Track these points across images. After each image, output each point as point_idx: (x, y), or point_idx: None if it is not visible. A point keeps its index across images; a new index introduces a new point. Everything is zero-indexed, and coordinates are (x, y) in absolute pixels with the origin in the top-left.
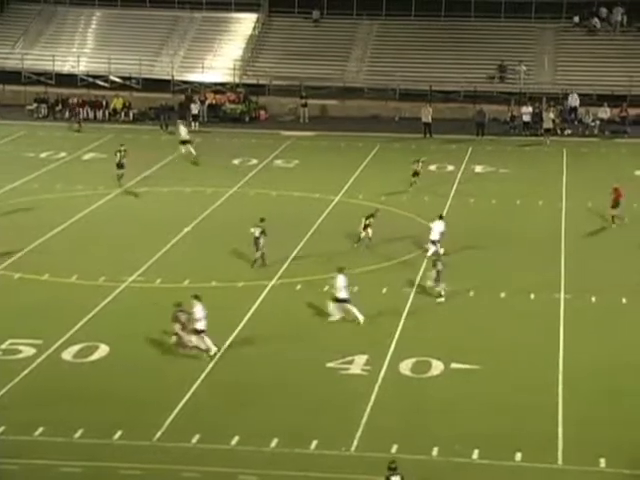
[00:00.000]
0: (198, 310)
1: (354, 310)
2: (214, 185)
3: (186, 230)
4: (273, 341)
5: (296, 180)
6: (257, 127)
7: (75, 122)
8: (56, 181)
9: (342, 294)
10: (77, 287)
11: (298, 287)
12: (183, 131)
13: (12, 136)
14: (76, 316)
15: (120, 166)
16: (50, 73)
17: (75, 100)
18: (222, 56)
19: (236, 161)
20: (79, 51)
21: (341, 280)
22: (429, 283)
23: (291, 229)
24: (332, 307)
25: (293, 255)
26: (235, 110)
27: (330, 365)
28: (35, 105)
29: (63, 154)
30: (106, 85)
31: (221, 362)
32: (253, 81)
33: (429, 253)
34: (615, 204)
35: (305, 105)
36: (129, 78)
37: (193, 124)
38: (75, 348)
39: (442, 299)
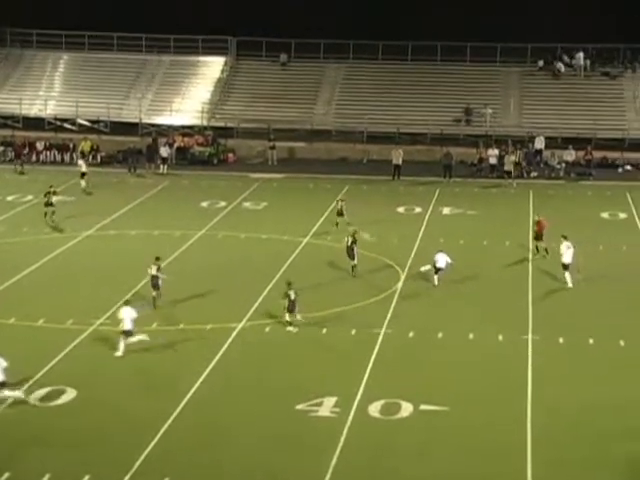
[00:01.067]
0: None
1: (122, 344)
2: (182, 228)
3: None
4: (242, 382)
5: (265, 222)
6: (225, 169)
7: (18, 164)
8: (23, 224)
9: (128, 326)
10: (44, 330)
11: (267, 329)
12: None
13: None
14: (43, 360)
15: (49, 204)
16: (17, 116)
17: (19, 142)
18: (190, 99)
19: (204, 203)
20: (46, 94)
21: (127, 312)
22: (286, 316)
23: (259, 271)
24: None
25: (262, 297)
26: (203, 153)
27: (299, 407)
28: (1, 149)
29: (30, 197)
30: (74, 128)
31: (191, 404)
32: (221, 124)
33: (423, 269)
34: (538, 236)
35: (273, 147)
36: (97, 121)
37: (162, 167)
38: (42, 392)
39: (292, 328)
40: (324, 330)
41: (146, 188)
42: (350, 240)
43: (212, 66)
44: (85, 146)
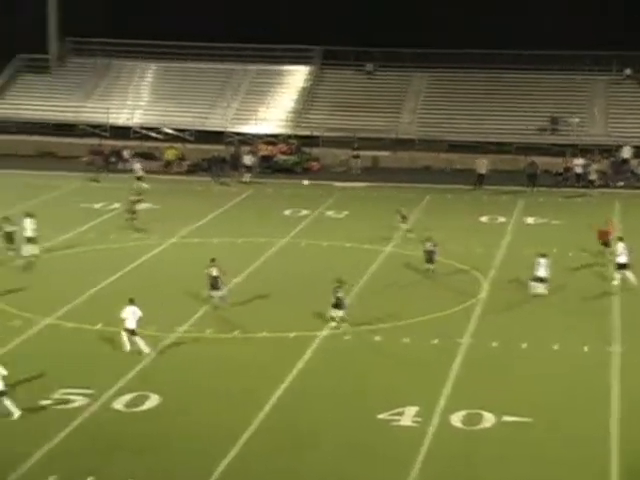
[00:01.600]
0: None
1: (140, 343)
2: (265, 236)
3: (236, 281)
4: (323, 390)
5: (347, 231)
6: (309, 178)
7: (100, 171)
8: (110, 231)
9: (131, 325)
10: (109, 336)
11: (348, 338)
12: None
13: (67, 187)
14: (128, 366)
15: (132, 212)
16: (105, 125)
17: (95, 150)
18: (275, 108)
19: (288, 212)
20: (134, 103)
21: (130, 311)
22: (331, 311)
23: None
24: (124, 338)
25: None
26: (287, 161)
27: (380, 416)
28: (90, 157)
29: (117, 205)
30: (160, 137)
31: (271, 411)
32: (306, 133)
33: (537, 290)
34: (605, 243)
35: (357, 156)
36: (183, 130)
37: (246, 175)
38: (127, 397)
39: (334, 324)
40: (406, 339)
41: (230, 196)
42: (429, 245)
43: (297, 75)
44: (170, 154)
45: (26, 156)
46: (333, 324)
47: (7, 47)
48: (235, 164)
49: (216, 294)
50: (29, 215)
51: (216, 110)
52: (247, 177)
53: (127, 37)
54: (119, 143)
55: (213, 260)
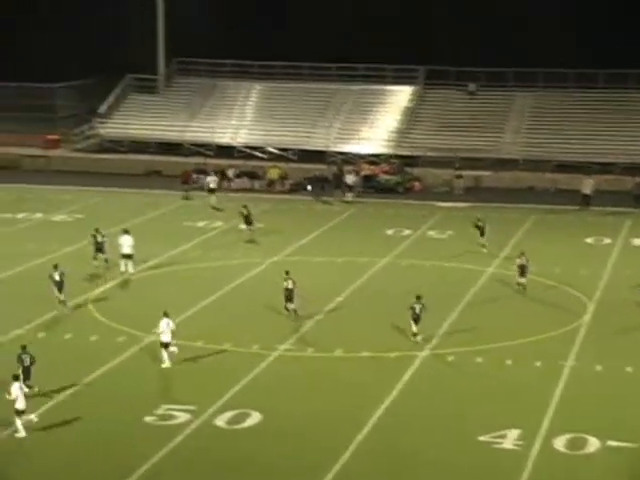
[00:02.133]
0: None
1: (165, 355)
2: (367, 255)
3: (338, 300)
4: (424, 411)
5: (449, 251)
6: (411, 198)
7: (185, 190)
8: (212, 250)
9: (166, 338)
10: (231, 354)
11: (450, 358)
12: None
13: (172, 205)
14: (230, 383)
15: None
16: (210, 144)
17: (186, 170)
18: (377, 127)
19: (389, 231)
20: (238, 123)
21: (164, 324)
22: (413, 327)
23: (443, 300)
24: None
25: (445, 326)
26: (389, 181)
27: (482, 438)
28: (195, 176)
29: (219, 223)
30: (263, 156)
31: (372, 431)
32: (408, 152)
33: None
34: None
35: (460, 176)
36: (286, 149)
37: (348, 194)
38: (228, 414)
39: (417, 338)
40: (508, 361)
41: (332, 215)
42: (521, 259)
43: (400, 95)
44: (273, 173)
45: (134, 175)
46: (418, 339)
47: (117, 67)
48: (338, 183)
49: (290, 306)
50: (126, 232)
51: (319, 129)
52: (349, 196)
53: (232, 57)
54: (223, 162)
55: (287, 273)
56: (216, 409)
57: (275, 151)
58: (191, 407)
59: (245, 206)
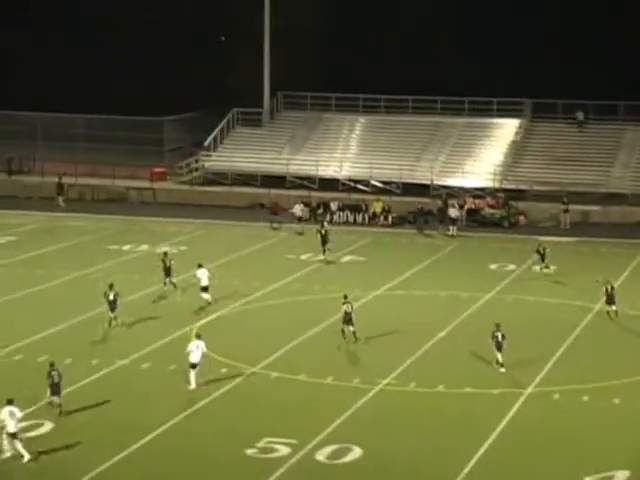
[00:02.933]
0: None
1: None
2: (470, 290)
3: (440, 335)
4: (529, 449)
5: (555, 286)
6: (516, 232)
7: (274, 222)
8: (314, 283)
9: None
10: (332, 388)
11: (556, 396)
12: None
13: (275, 238)
14: (331, 417)
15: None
16: (313, 177)
17: (270, 202)
18: (482, 161)
19: (493, 266)
20: (342, 156)
21: (193, 346)
22: (498, 356)
23: (548, 336)
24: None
25: (551, 363)
26: (494, 215)
27: (588, 479)
28: (297, 208)
29: (321, 257)
30: (367, 189)
31: (476, 467)
32: (513, 186)
33: None
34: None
35: (567, 211)
36: (389, 182)
37: (451, 228)
38: (329, 449)
39: (502, 369)
40: (616, 400)
41: (435, 249)
42: (609, 287)
43: (506, 128)
44: (377, 207)
45: (238, 207)
46: (502, 370)
47: (223, 101)
48: (442, 217)
49: (350, 329)
50: (200, 266)
51: (423, 162)
52: (453, 230)
53: (336, 91)
54: (327, 195)
55: (346, 297)
56: (317, 443)
57: (378, 184)
58: (292, 441)
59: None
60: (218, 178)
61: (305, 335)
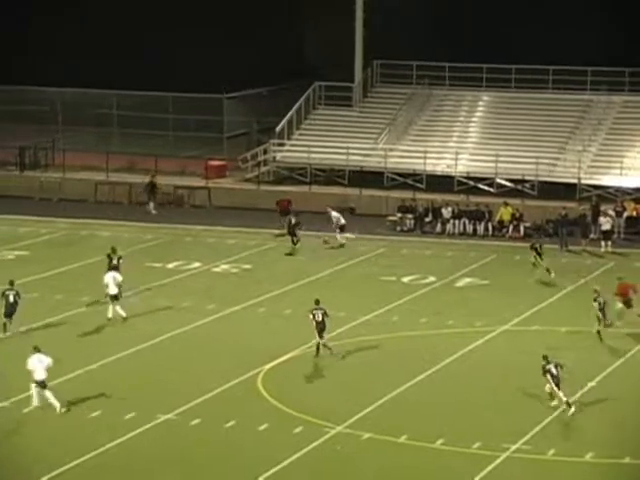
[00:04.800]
0: None
1: None
2: (633, 325)
3: (590, 384)
4: None
5: None
6: None
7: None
8: (421, 313)
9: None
10: (443, 454)
11: None
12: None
13: (368, 254)
14: None
15: None
16: (420, 174)
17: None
18: None
19: None
20: (458, 146)
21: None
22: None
23: None
24: None
25: None
26: None
27: None
28: (399, 215)
29: (432, 278)
30: (491, 190)
31: None
32: None
33: None
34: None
35: None
36: (521, 181)
37: (603, 243)
38: None
39: (571, 410)
40: None
41: (581, 270)
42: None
43: None
44: (504, 213)
45: (320, 213)
46: (571, 409)
47: (301, 73)
48: (588, 227)
49: (322, 341)
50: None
51: (567, 155)
52: (607, 245)
53: (451, 59)
54: (437, 197)
55: (317, 302)
56: None
57: (507, 183)
58: None
59: None
60: (293, 174)
61: (408, 383)
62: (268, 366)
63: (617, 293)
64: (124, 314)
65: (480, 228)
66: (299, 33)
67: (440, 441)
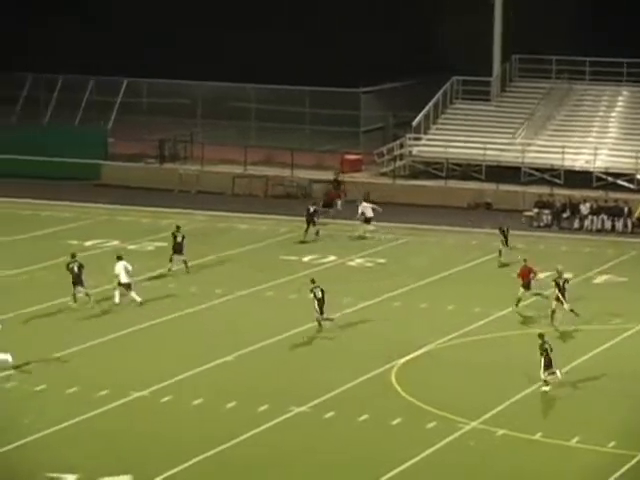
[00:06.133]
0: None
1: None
2: None
3: None
4: None
5: None
6: None
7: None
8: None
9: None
10: (578, 452)
11: None
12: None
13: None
14: None
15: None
16: (557, 170)
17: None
18: None
19: None
20: (597, 141)
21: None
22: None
23: None
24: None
25: None
26: None
27: None
28: (535, 211)
29: (568, 275)
30: (631, 186)
31: None
32: None
33: None
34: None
35: None
36: None
37: None
38: None
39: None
40: None
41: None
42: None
43: None
44: None
45: (456, 208)
46: (545, 388)
47: (438, 67)
48: None
49: (323, 317)
50: (120, 258)
51: None
52: None
53: (593, 54)
54: (575, 193)
55: (313, 281)
56: None
57: None
58: None
59: None
60: (429, 169)
61: (535, 385)
62: (402, 360)
63: (519, 275)
64: (139, 299)
65: (619, 225)
66: (437, 27)
67: (575, 439)
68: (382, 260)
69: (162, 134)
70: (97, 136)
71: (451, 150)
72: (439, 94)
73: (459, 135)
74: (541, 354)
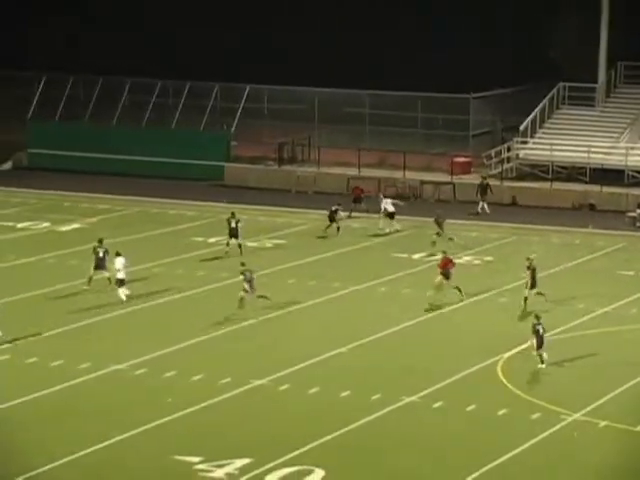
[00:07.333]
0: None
1: None
2: None
3: None
4: None
5: None
6: None
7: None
8: None
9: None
10: None
11: None
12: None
13: (607, 249)
14: None
15: None
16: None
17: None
18: None
19: None
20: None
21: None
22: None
23: None
24: None
25: None
26: None
27: None
28: (638, 211)
29: None
30: None
31: None
32: None
33: None
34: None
35: None
36: None
37: None
38: None
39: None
40: None
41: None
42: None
43: None
44: None
45: (561, 208)
46: (541, 366)
47: (545, 74)
48: None
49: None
50: (118, 254)
51: None
52: None
53: None
54: None
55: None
56: None
57: None
58: None
59: None
60: (535, 171)
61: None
62: (508, 353)
63: (439, 265)
64: (124, 298)
65: None
66: (545, 34)
67: None
68: (489, 258)
69: (281, 138)
70: (221, 140)
71: (556, 153)
72: (546, 99)
73: (564, 139)
74: (533, 333)
